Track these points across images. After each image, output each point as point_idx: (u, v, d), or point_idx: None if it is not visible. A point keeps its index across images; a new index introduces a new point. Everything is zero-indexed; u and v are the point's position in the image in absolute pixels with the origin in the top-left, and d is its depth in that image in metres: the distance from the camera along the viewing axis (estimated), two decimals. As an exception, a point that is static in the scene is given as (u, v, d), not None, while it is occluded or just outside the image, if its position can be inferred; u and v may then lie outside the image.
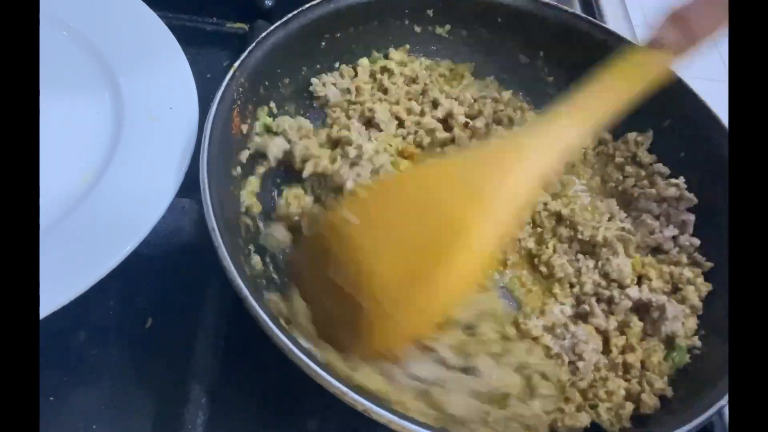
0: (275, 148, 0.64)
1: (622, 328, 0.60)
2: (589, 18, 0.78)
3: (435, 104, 0.74)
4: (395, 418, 0.46)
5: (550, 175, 0.51)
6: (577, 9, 0.94)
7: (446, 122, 0.73)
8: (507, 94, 0.77)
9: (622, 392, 0.56)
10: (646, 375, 0.57)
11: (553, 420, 0.54)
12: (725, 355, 0.54)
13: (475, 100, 0.74)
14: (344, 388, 0.46)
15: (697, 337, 0.60)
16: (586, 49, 0.76)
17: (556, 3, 0.77)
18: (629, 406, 0.56)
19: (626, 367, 0.58)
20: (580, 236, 0.65)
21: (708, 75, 0.76)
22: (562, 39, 0.77)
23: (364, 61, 0.75)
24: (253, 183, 0.64)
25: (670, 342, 0.60)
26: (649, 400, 0.56)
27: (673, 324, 0.59)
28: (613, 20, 0.96)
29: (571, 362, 0.58)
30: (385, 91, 0.74)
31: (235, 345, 0.59)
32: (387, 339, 0.51)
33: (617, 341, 0.59)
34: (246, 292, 0.49)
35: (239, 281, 0.50)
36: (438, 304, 0.52)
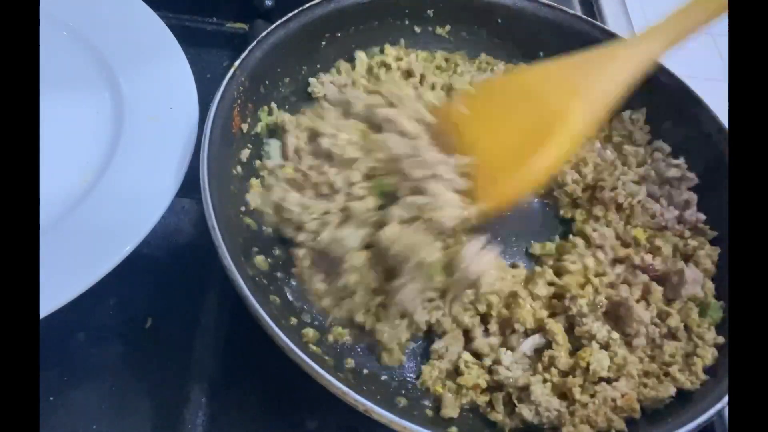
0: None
1: (645, 295, 0.61)
2: (589, 19, 0.78)
3: (433, 87, 0.75)
4: (396, 418, 0.46)
5: (633, 82, 0.59)
6: (577, 10, 0.95)
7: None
8: (500, 66, 0.78)
9: (682, 352, 0.57)
10: (694, 331, 0.59)
11: (640, 394, 0.55)
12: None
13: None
14: (345, 388, 0.46)
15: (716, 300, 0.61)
16: (586, 49, 0.75)
17: (555, 4, 0.77)
18: (698, 361, 0.56)
19: (672, 332, 0.59)
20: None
21: (708, 75, 0.76)
22: (562, 39, 0.77)
23: (361, 55, 0.75)
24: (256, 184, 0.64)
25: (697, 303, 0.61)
26: (707, 353, 0.57)
27: (693, 287, 0.61)
28: (613, 21, 0.96)
29: (627, 341, 0.58)
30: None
31: (235, 345, 0.59)
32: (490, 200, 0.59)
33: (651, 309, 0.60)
34: (246, 291, 0.49)
35: (240, 281, 0.50)
36: (537, 176, 0.59)
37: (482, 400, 0.56)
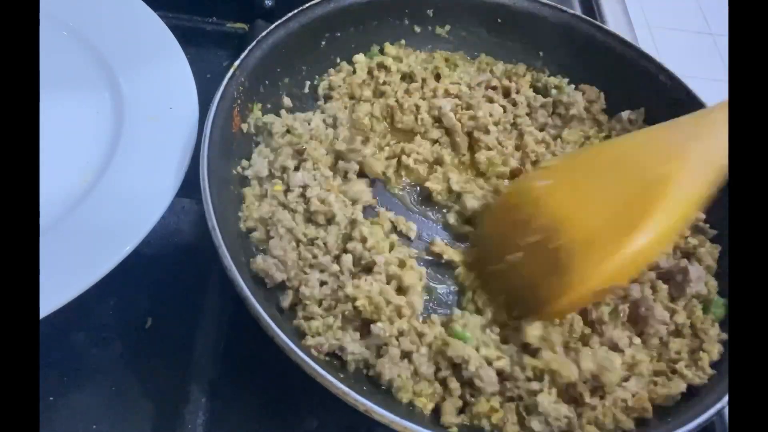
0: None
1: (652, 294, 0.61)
2: (589, 18, 0.78)
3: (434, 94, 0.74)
4: (396, 419, 0.46)
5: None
6: (577, 9, 0.95)
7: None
8: (500, 66, 0.78)
9: (687, 348, 0.57)
10: (698, 328, 0.58)
11: (651, 392, 0.54)
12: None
13: (470, 87, 0.75)
14: (346, 389, 0.46)
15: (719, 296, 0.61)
16: (586, 49, 0.76)
17: (555, 3, 0.77)
18: (704, 356, 0.56)
19: (679, 329, 0.59)
20: None
21: (708, 75, 0.76)
22: (562, 39, 0.77)
23: (360, 58, 0.75)
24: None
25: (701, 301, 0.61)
26: (714, 348, 0.57)
27: (697, 285, 0.60)
28: (613, 21, 0.96)
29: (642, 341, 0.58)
30: (381, 94, 0.74)
31: (235, 345, 0.59)
32: (588, 281, 0.54)
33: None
34: (247, 292, 0.49)
35: (240, 281, 0.50)
36: (641, 255, 0.55)
37: (496, 418, 0.53)
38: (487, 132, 0.71)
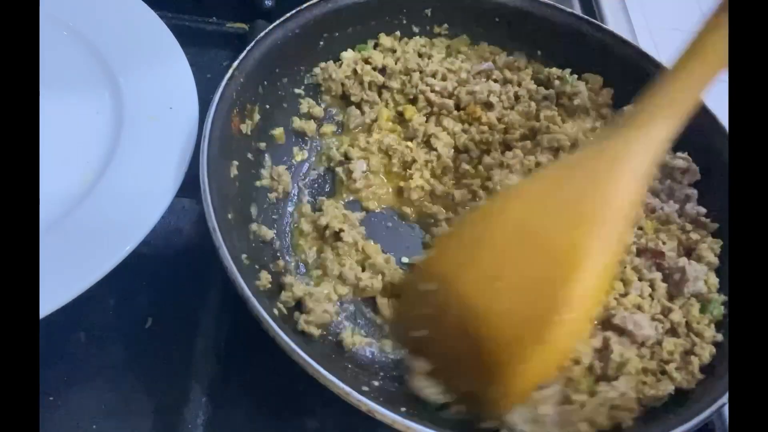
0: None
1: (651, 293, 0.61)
2: (589, 18, 0.78)
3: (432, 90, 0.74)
4: (399, 418, 0.46)
5: (650, 178, 0.48)
6: (577, 9, 0.95)
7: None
8: (503, 57, 0.77)
9: (681, 349, 0.57)
10: (693, 328, 0.58)
11: (638, 392, 0.54)
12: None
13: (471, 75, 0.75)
14: (348, 389, 0.46)
15: (720, 293, 0.61)
16: (585, 49, 0.76)
17: (555, 3, 0.77)
18: (694, 360, 0.56)
19: (674, 327, 0.59)
20: None
21: (708, 75, 0.76)
22: (561, 39, 0.77)
23: (346, 55, 0.74)
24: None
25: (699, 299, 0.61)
26: (705, 351, 0.56)
27: (695, 284, 0.60)
28: (613, 20, 0.96)
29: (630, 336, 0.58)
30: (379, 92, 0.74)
31: (235, 345, 0.59)
32: (516, 381, 0.49)
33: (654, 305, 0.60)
34: (248, 293, 0.49)
35: (242, 282, 0.50)
36: (565, 340, 0.49)
37: None
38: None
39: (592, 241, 0.47)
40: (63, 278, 0.52)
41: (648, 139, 0.49)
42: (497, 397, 0.49)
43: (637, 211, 0.50)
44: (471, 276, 0.50)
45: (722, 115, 0.68)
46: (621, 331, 0.58)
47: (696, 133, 0.69)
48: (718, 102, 0.66)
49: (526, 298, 0.47)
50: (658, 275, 0.62)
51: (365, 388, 0.52)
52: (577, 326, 0.49)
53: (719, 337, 0.58)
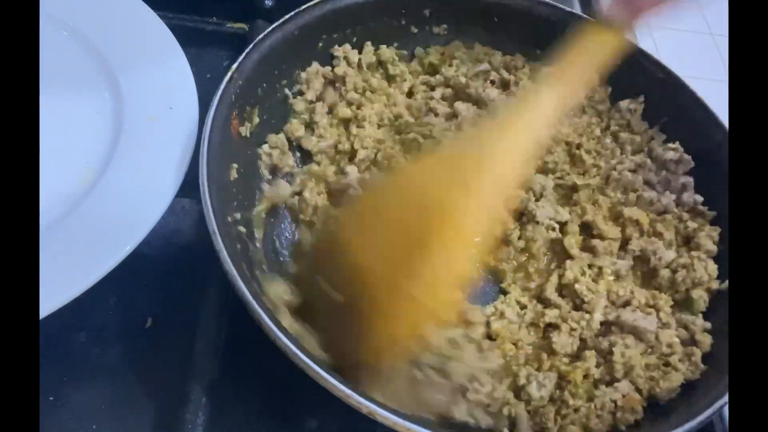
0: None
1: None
2: (588, 17, 0.78)
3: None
4: (400, 420, 0.45)
5: (530, 152, 0.51)
6: (576, 8, 0.94)
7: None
8: (498, 57, 0.78)
9: (678, 340, 0.58)
10: (682, 319, 0.60)
11: (652, 387, 0.55)
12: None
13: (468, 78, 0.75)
14: (348, 391, 0.46)
15: (719, 281, 0.62)
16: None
17: (554, 1, 0.77)
18: (696, 351, 0.57)
19: (664, 321, 0.60)
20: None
21: (708, 75, 0.76)
22: (561, 37, 0.77)
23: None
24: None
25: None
26: (705, 339, 0.58)
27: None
28: (612, 20, 0.96)
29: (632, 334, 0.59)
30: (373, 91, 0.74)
31: (235, 345, 0.59)
32: (388, 334, 0.52)
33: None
34: (249, 296, 0.49)
35: (241, 285, 0.50)
36: (435, 294, 0.51)
37: None
38: None
39: (466, 198, 0.49)
40: (63, 278, 0.52)
41: (529, 117, 0.52)
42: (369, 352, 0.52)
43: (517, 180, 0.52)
44: (361, 239, 0.52)
45: (722, 115, 0.69)
46: (621, 328, 0.58)
47: (688, 122, 0.70)
48: (718, 102, 0.67)
49: (400, 246, 0.50)
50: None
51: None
52: (448, 278, 0.50)
53: (708, 324, 0.59)
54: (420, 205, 0.50)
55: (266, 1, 0.84)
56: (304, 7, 0.70)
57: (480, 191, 0.50)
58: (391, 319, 0.51)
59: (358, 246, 0.52)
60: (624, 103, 0.74)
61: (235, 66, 0.63)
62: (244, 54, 0.65)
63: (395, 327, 0.52)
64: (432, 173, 0.52)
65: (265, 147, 0.67)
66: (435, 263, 0.49)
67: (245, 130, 0.65)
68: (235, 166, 0.62)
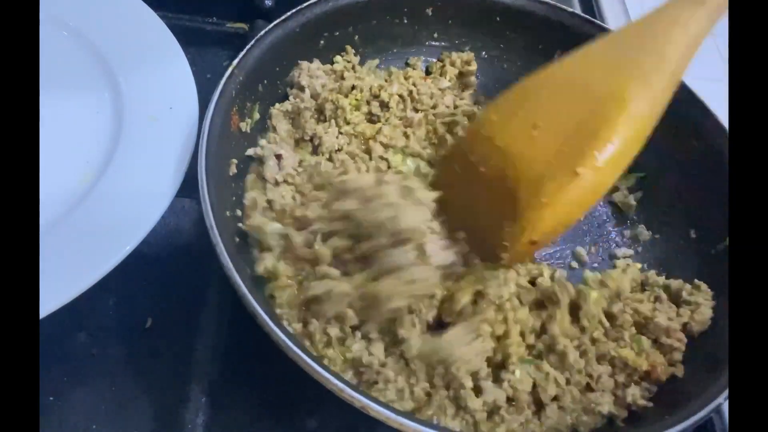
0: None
1: None
2: (589, 17, 0.78)
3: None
4: (392, 415, 0.46)
5: (698, 46, 0.51)
6: (577, 8, 0.95)
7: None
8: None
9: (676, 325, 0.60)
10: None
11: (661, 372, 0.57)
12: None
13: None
14: (341, 385, 0.46)
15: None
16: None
17: (555, 2, 0.77)
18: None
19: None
20: None
21: (708, 75, 0.76)
22: (561, 38, 0.77)
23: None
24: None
25: None
26: (701, 317, 0.60)
27: None
28: (612, 19, 0.96)
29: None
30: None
31: (235, 345, 0.59)
32: (543, 223, 0.52)
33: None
34: (244, 289, 0.49)
35: (237, 279, 0.50)
36: (599, 180, 0.51)
37: None
38: None
39: (638, 87, 0.49)
40: (63, 278, 0.52)
41: (704, 11, 0.51)
42: (512, 236, 0.53)
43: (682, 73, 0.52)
44: (512, 127, 0.54)
45: (722, 115, 0.69)
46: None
47: (688, 122, 0.70)
48: (718, 102, 0.67)
49: (560, 143, 0.50)
50: None
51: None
52: (601, 179, 0.51)
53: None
54: (589, 94, 0.50)
55: (266, 1, 0.84)
56: (306, 4, 0.70)
57: (658, 87, 0.50)
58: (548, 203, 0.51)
59: (511, 134, 0.53)
60: None
61: (236, 62, 0.63)
62: (245, 50, 0.65)
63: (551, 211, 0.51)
64: (600, 64, 0.52)
65: (263, 142, 0.67)
66: (604, 148, 0.49)
67: (246, 126, 0.65)
68: (234, 161, 0.62)
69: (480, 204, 0.56)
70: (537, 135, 0.51)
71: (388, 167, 0.66)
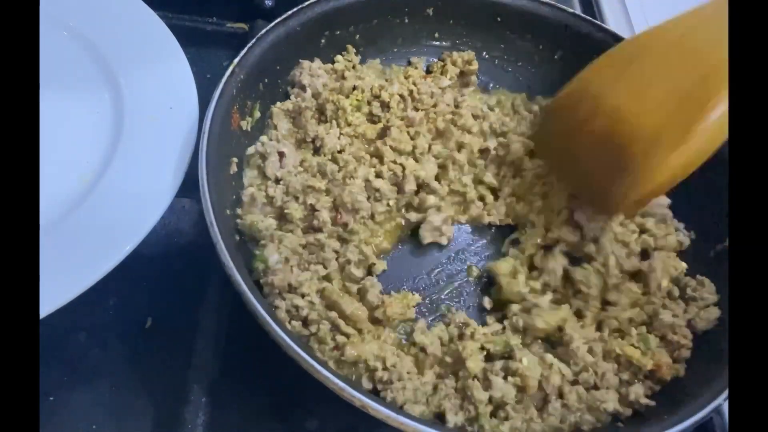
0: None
1: None
2: (589, 17, 0.78)
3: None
4: (393, 414, 0.46)
5: None
6: (577, 9, 0.94)
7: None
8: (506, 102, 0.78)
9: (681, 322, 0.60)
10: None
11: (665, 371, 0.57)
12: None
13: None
14: (342, 384, 0.46)
15: None
16: (585, 47, 0.75)
17: (555, 2, 0.77)
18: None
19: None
20: None
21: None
22: (562, 37, 0.77)
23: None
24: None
25: None
26: (707, 314, 0.61)
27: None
28: (612, 20, 0.96)
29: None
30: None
31: (235, 345, 0.59)
32: (654, 177, 0.54)
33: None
34: (244, 287, 0.49)
35: (237, 276, 0.50)
36: (704, 146, 0.53)
37: None
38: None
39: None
40: (63, 278, 0.52)
41: None
42: (625, 189, 0.56)
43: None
44: (624, 86, 0.56)
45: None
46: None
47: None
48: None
49: (675, 106, 0.52)
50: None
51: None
52: (710, 144, 0.53)
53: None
54: (701, 60, 0.52)
55: (266, 1, 0.84)
56: (306, 3, 0.70)
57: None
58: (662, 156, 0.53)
59: (623, 92, 0.55)
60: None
61: (237, 60, 0.63)
62: (246, 48, 0.65)
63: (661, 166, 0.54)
64: (704, 28, 0.53)
65: (264, 138, 0.67)
66: (716, 114, 0.51)
67: (246, 125, 0.65)
68: (235, 159, 0.62)
69: (585, 156, 0.59)
70: (651, 94, 0.54)
71: (403, 170, 0.66)
